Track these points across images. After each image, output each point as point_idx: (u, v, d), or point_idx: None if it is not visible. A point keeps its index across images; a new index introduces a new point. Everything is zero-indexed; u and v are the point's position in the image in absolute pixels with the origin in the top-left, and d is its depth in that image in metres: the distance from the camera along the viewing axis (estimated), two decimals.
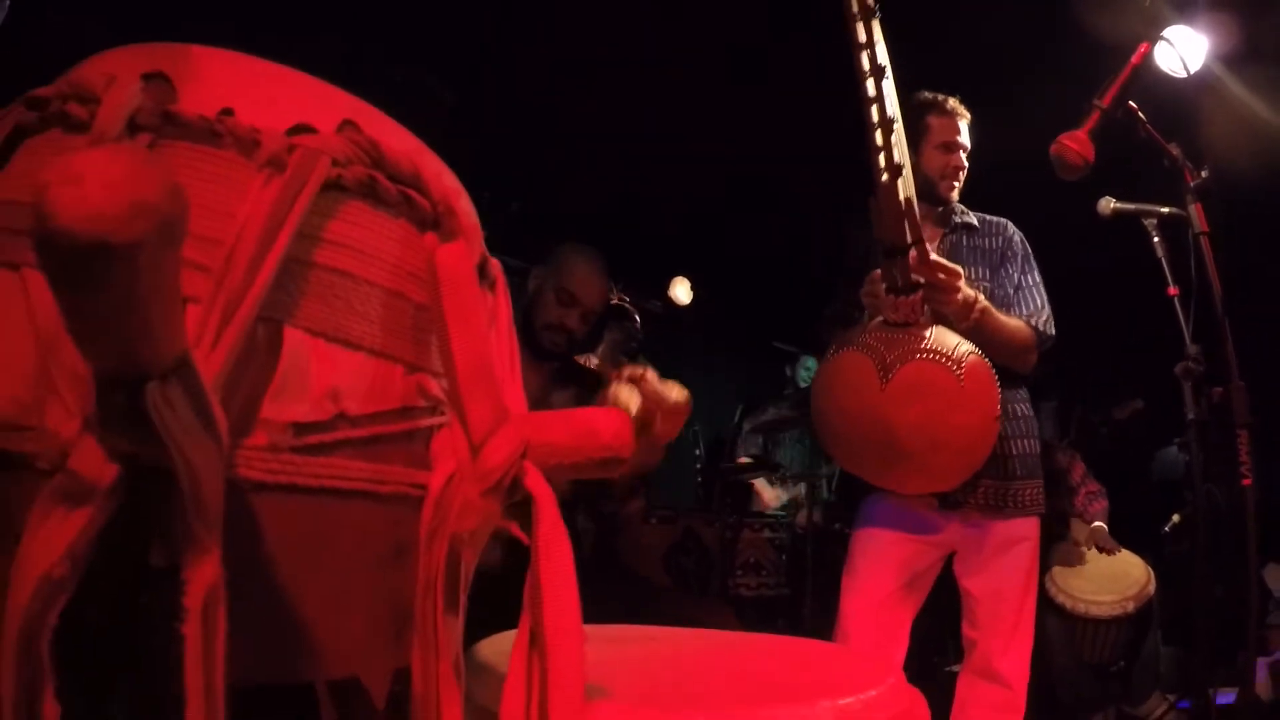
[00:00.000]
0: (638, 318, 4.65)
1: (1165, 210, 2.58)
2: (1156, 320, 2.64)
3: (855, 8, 1.99)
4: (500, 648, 1.22)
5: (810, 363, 6.00)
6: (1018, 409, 2.60)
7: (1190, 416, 2.41)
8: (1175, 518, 4.56)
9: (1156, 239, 2.59)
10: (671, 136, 5.38)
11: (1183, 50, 2.85)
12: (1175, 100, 3.09)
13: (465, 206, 0.73)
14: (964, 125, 2.69)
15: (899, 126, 2.08)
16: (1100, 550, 4.19)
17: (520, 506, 0.68)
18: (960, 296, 2.32)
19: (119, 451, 0.48)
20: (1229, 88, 4.31)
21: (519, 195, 5.84)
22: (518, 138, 5.62)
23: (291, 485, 0.60)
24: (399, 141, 0.70)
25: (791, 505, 5.59)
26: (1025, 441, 2.58)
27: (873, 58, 1.99)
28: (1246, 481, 2.16)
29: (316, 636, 0.62)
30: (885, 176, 2.05)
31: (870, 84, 1.99)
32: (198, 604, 0.50)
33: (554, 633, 0.67)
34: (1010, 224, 2.72)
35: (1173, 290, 2.53)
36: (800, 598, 4.64)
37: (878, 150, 2.03)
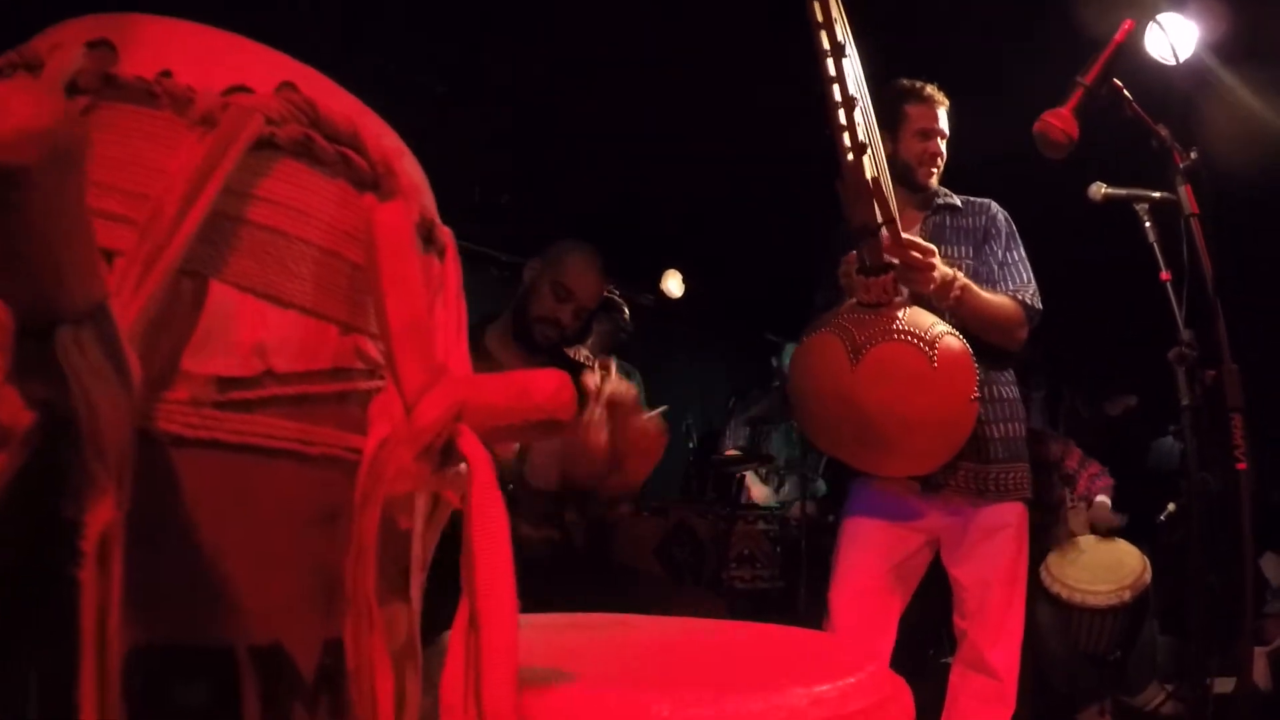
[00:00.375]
0: (626, 310, 4.63)
1: (1156, 195, 2.55)
2: (1149, 309, 2.62)
3: None
4: None
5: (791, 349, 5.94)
6: (1001, 391, 2.58)
7: (1184, 402, 2.38)
8: (1170, 506, 4.54)
9: (1148, 224, 2.57)
10: (663, 129, 5.38)
11: (1173, 37, 2.83)
12: (1165, 88, 3.08)
13: (406, 167, 0.71)
14: (942, 112, 2.68)
15: (863, 105, 2.06)
16: (1096, 530, 4.17)
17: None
18: (937, 275, 2.31)
19: (36, 399, 0.47)
20: (1219, 76, 4.30)
21: (509, 188, 5.82)
22: (508, 130, 5.60)
23: (213, 440, 0.59)
24: (338, 102, 0.69)
25: (782, 506, 5.58)
26: (1008, 425, 2.56)
27: (831, 36, 1.96)
28: (1241, 465, 2.13)
29: (236, 597, 0.60)
30: (850, 155, 2.03)
31: (830, 63, 1.96)
32: (93, 548, 0.49)
33: (487, 608, 0.64)
34: (994, 203, 2.71)
35: (1165, 275, 2.51)
36: (795, 590, 4.63)
37: (841, 129, 2.01)
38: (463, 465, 0.65)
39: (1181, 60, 2.85)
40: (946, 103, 2.69)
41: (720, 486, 5.58)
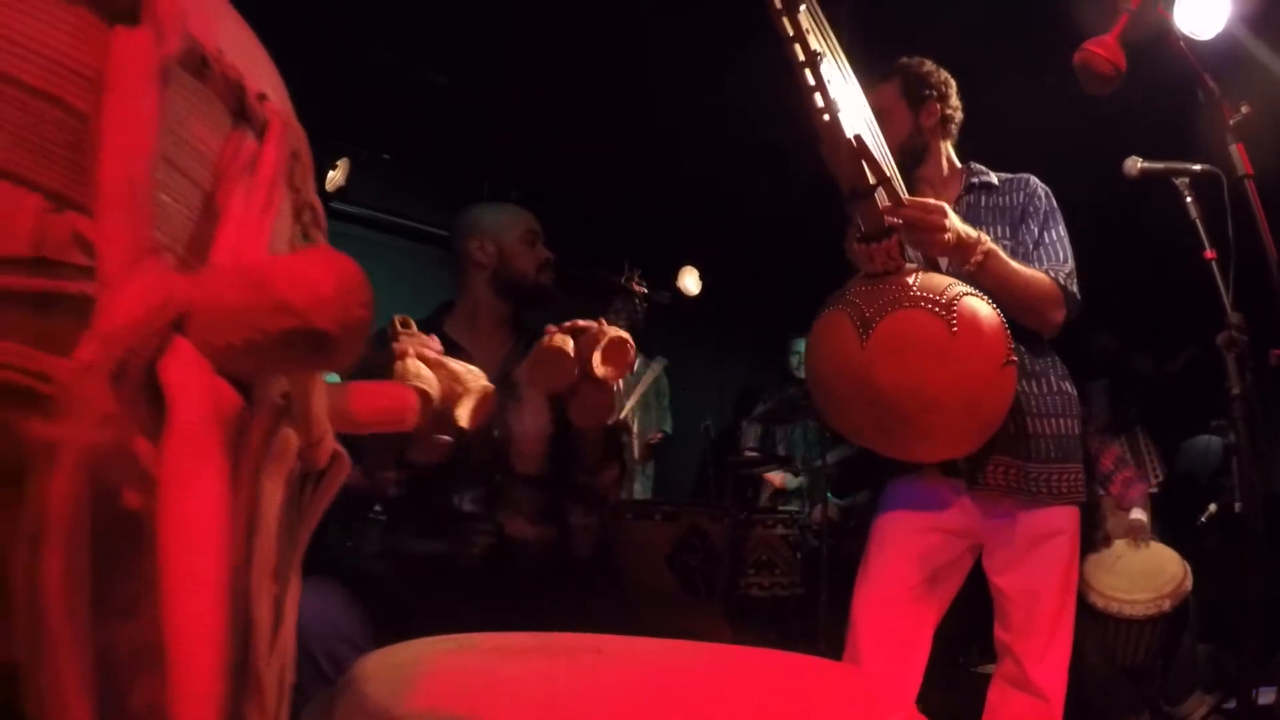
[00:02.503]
0: (638, 300, 4.49)
1: (1198, 168, 2.39)
2: (1190, 293, 2.46)
3: None
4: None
5: (801, 344, 5.80)
6: (1054, 384, 2.34)
7: (1235, 391, 2.19)
8: (1211, 507, 4.31)
9: (1190, 199, 2.39)
10: (679, 124, 5.30)
11: (1204, 10, 2.64)
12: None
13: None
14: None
15: (830, 60, 1.85)
16: (1134, 544, 3.95)
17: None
18: (948, 236, 2.07)
19: None
20: (1253, 50, 4.11)
21: (519, 185, 5.69)
22: (518, 126, 5.50)
23: None
24: None
25: (801, 491, 5.43)
26: (1060, 421, 2.31)
27: None
28: None
29: None
30: (825, 116, 1.82)
31: (785, 21, 1.77)
32: None
33: (173, 636, 0.41)
34: (1033, 178, 2.46)
35: (1210, 254, 2.33)
36: (816, 598, 4.43)
37: (810, 90, 1.79)
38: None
39: (1213, 35, 2.65)
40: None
41: (738, 489, 5.41)
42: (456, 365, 1.71)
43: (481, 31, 4.79)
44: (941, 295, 1.98)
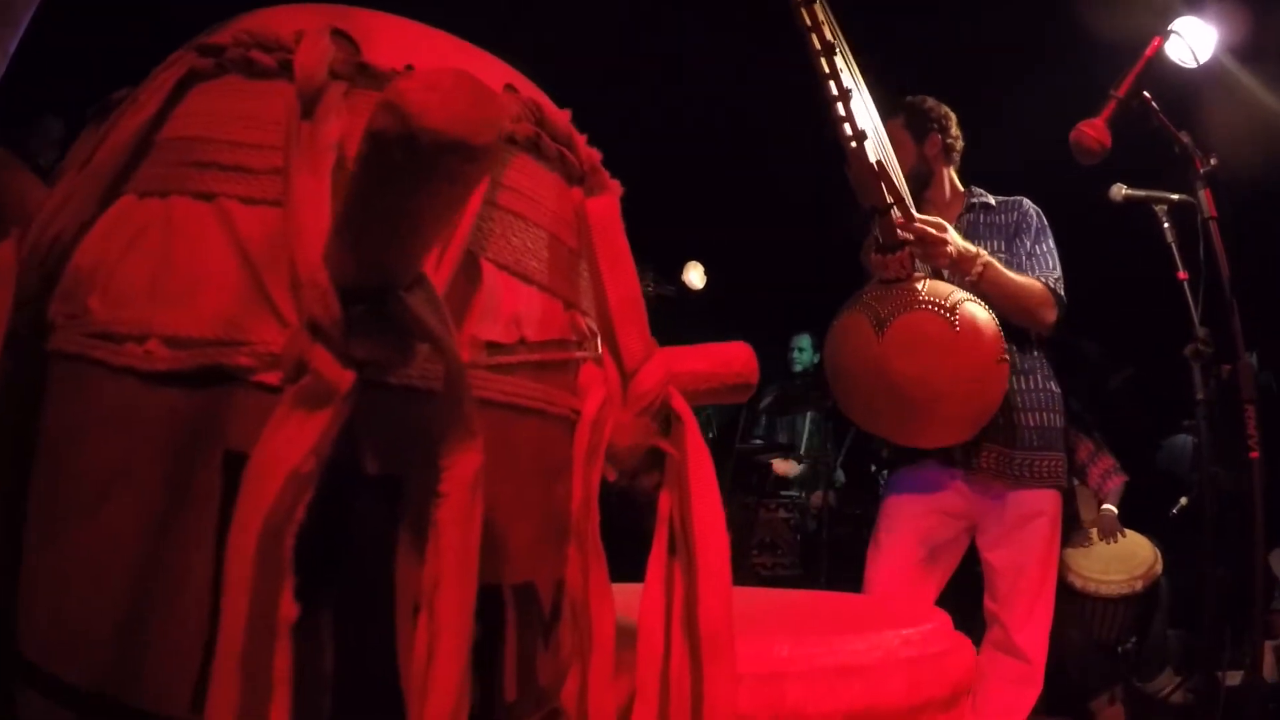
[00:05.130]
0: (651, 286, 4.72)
1: (1175, 197, 2.66)
2: (1163, 307, 2.72)
3: None
4: None
5: (803, 341, 6.02)
6: (1039, 381, 2.65)
7: (1199, 397, 2.49)
8: (1182, 501, 4.63)
9: (1166, 225, 2.68)
10: (684, 118, 5.49)
11: (1192, 41, 2.93)
12: (1183, 90, 3.16)
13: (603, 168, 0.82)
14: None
15: (860, 94, 2.23)
16: (1103, 538, 4.28)
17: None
18: (951, 249, 2.43)
19: (355, 360, 0.52)
20: (1237, 79, 4.38)
21: None
22: None
23: (486, 400, 0.66)
24: (549, 105, 0.79)
25: (805, 479, 5.65)
26: (1044, 414, 2.64)
27: (821, 37, 2.11)
28: (1254, 454, 2.24)
29: (503, 540, 0.68)
30: (853, 143, 2.19)
31: (822, 62, 2.12)
32: (464, 490, 0.57)
33: (704, 539, 0.73)
34: (1026, 200, 2.81)
35: (1182, 275, 2.61)
36: (815, 578, 4.70)
37: (841, 121, 2.17)
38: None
39: (1201, 63, 2.94)
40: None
41: (740, 476, 5.65)
42: None
43: (489, 26, 4.87)
44: (946, 300, 2.34)
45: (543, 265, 0.73)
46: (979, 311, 2.36)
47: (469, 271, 0.67)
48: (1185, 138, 2.43)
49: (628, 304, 0.76)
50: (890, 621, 1.12)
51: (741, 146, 5.70)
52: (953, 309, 2.32)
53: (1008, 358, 2.38)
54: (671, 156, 5.64)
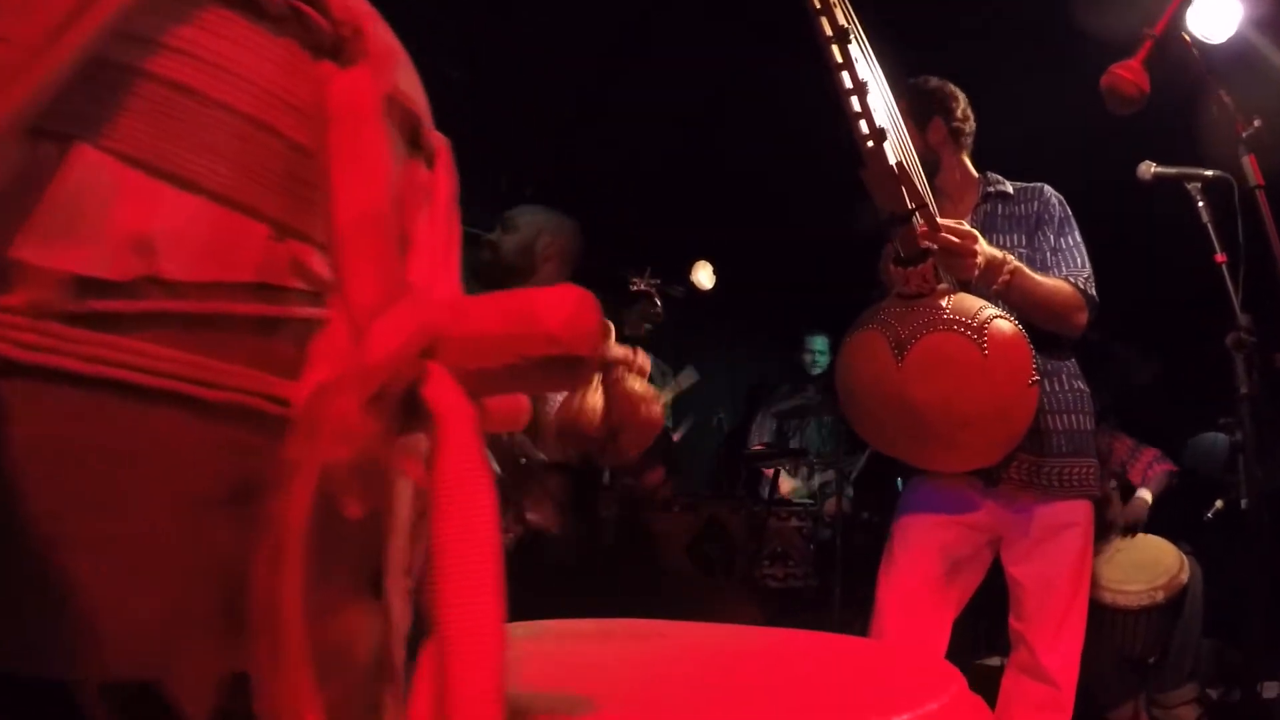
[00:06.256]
0: (659, 301, 4.55)
1: (1209, 174, 2.47)
2: (1194, 295, 2.53)
3: None
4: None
5: (818, 343, 5.83)
6: (1065, 382, 2.44)
7: (1242, 391, 2.27)
8: (1218, 503, 4.37)
9: (1201, 204, 2.47)
10: (695, 117, 5.33)
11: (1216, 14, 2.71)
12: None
13: (378, 32, 0.55)
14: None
15: (880, 88, 1.97)
16: (1127, 531, 4.04)
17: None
18: (980, 260, 2.18)
19: None
20: (1264, 53, 4.16)
21: (535, 178, 5.74)
22: (534, 121, 5.52)
23: (59, 369, 0.42)
24: None
25: (811, 497, 5.46)
26: (1073, 416, 2.42)
27: (833, 21, 1.86)
28: None
29: (89, 609, 0.43)
30: (870, 143, 1.91)
31: (835, 49, 1.87)
32: None
33: (458, 617, 0.45)
34: (1048, 187, 2.58)
35: (1220, 257, 2.41)
36: (829, 589, 4.51)
37: (856, 117, 1.89)
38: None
39: (1225, 39, 2.73)
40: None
41: (751, 482, 5.46)
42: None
43: (498, 25, 4.79)
44: (974, 319, 2.10)
45: (221, 165, 0.48)
46: (1008, 328, 2.12)
47: (47, 165, 0.43)
48: (1225, 97, 2.19)
49: (366, 225, 0.50)
50: (883, 697, 0.85)
51: (750, 141, 5.56)
52: (980, 329, 2.08)
53: (1039, 378, 2.16)
54: (679, 154, 5.59)
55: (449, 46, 4.89)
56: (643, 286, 4.50)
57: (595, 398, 2.01)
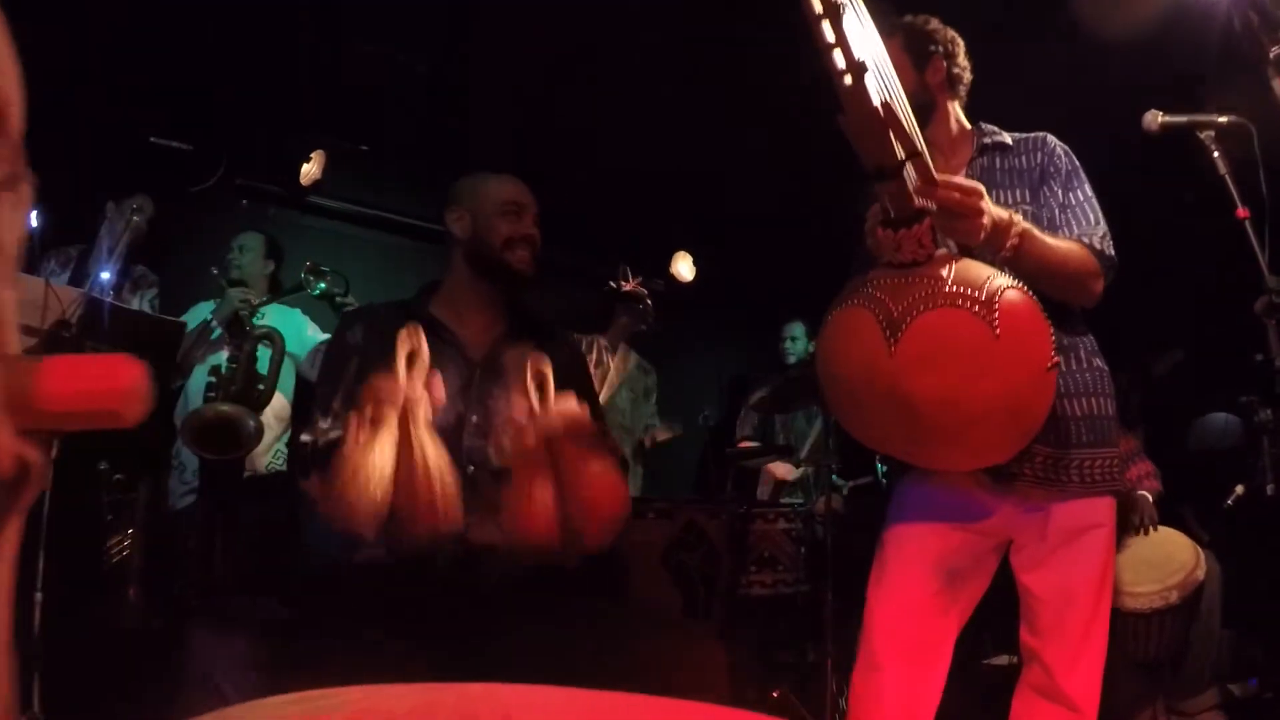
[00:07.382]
0: (649, 301, 4.47)
1: (1224, 120, 2.21)
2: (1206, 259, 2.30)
3: None
4: None
5: (796, 329, 5.63)
6: (1083, 359, 2.14)
7: (1278, 364, 1.99)
8: (1239, 488, 4.07)
9: (1217, 154, 2.21)
10: (668, 106, 5.18)
11: None
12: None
13: None
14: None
15: (852, 11, 1.57)
16: (1139, 529, 3.75)
17: None
18: (986, 220, 1.84)
19: None
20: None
21: (508, 170, 5.53)
22: (502, 114, 5.44)
23: None
24: None
25: (807, 482, 5.27)
26: (1093, 400, 2.11)
27: None
28: None
29: None
30: (849, 78, 1.55)
31: None
32: None
33: None
34: (1051, 136, 2.28)
35: (1242, 212, 2.14)
36: (822, 595, 4.23)
37: (830, 48, 1.53)
38: None
39: None
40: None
41: (741, 480, 5.19)
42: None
43: (464, 18, 4.70)
44: (981, 291, 1.76)
45: None
46: (1022, 301, 1.79)
47: None
48: (1253, 14, 1.91)
49: None
50: None
51: (730, 131, 5.43)
52: (990, 303, 1.74)
53: (1059, 361, 1.83)
54: (658, 145, 5.45)
55: (416, 41, 4.84)
56: (630, 287, 4.46)
57: (545, 494, 1.91)
